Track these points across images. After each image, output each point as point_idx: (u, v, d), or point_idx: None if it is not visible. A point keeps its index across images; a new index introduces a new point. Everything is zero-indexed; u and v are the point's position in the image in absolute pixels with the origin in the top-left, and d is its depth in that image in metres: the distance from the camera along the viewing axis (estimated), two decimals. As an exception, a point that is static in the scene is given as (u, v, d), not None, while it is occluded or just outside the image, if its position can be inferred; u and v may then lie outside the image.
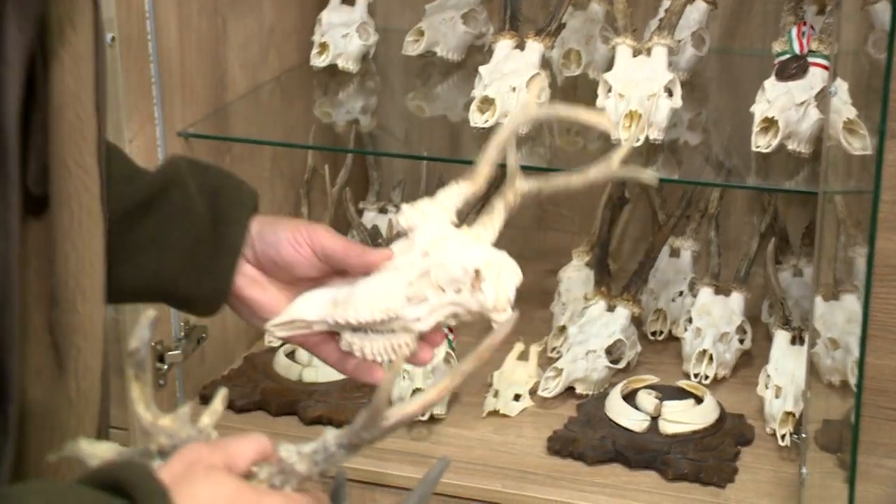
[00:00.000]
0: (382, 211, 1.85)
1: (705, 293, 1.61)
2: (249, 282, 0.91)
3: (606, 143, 1.46)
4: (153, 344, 1.49)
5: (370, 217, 1.83)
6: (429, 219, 0.86)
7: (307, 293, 0.90)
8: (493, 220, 0.87)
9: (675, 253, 1.71)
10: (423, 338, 0.87)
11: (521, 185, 0.88)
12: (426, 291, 0.84)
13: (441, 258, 0.83)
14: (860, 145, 1.33)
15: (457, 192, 0.88)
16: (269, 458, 0.69)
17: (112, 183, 0.86)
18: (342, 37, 1.69)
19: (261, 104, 1.67)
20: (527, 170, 1.82)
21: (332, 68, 1.70)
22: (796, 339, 1.51)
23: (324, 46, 1.68)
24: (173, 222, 0.92)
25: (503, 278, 0.83)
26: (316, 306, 0.88)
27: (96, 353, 0.78)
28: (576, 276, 1.69)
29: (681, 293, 1.69)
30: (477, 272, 0.82)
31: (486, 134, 1.50)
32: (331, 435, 0.68)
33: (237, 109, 1.62)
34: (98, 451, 0.71)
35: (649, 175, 0.94)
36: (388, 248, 0.86)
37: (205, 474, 0.66)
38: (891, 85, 1.34)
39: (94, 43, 0.75)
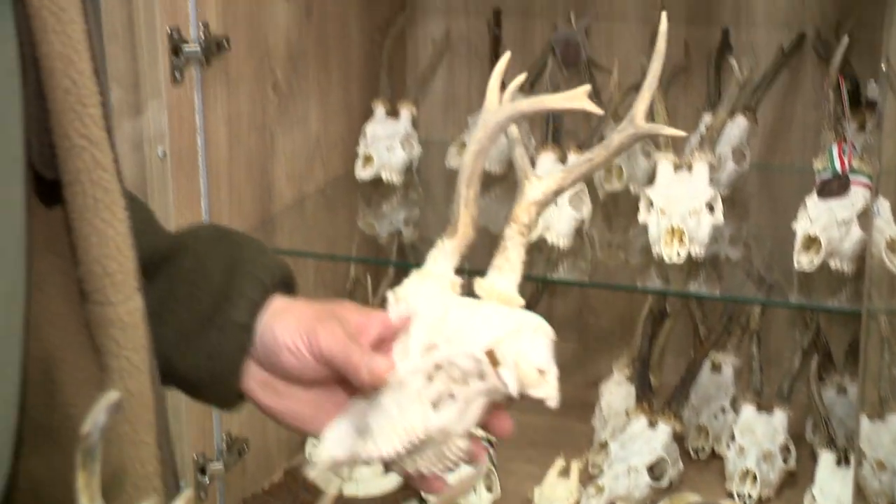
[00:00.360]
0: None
1: (748, 410, 1.60)
2: (262, 387, 0.81)
3: (648, 257, 1.47)
4: (194, 456, 1.49)
5: (410, 327, 1.84)
6: (423, 298, 0.73)
7: (333, 426, 0.76)
8: (510, 257, 0.74)
9: (716, 368, 1.70)
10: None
11: (532, 194, 0.75)
12: (449, 388, 0.71)
13: (448, 350, 0.70)
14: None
15: (443, 252, 0.75)
16: None
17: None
18: (386, 149, 1.72)
19: (306, 215, 1.69)
20: (567, 285, 1.83)
21: (376, 180, 1.72)
22: (842, 460, 1.49)
23: (368, 158, 1.71)
24: (177, 293, 0.83)
25: (525, 350, 0.69)
26: (343, 442, 0.75)
27: (139, 349, 0.72)
28: (616, 390, 1.68)
29: (723, 409, 1.68)
30: (491, 356, 0.69)
31: (527, 246, 1.51)
32: None
33: (283, 221, 1.64)
34: None
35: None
36: (389, 358, 0.73)
37: None
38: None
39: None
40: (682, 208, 1.43)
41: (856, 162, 1.44)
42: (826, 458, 1.48)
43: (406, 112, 1.75)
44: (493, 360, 0.69)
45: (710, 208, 1.45)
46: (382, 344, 0.76)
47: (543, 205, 0.74)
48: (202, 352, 0.81)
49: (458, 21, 1.88)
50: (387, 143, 1.72)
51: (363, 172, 1.71)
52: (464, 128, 1.78)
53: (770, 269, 1.54)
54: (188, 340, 0.81)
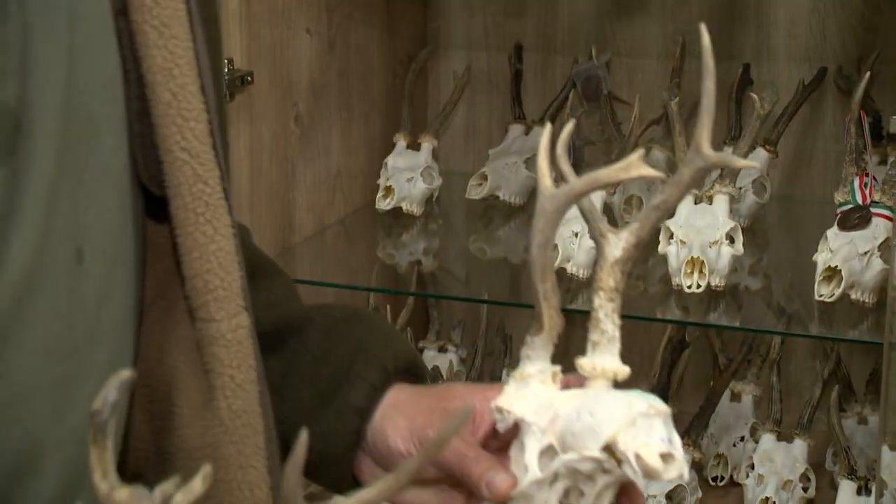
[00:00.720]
0: (442, 350, 1.86)
1: (767, 439, 1.60)
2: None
3: (667, 287, 1.48)
4: None
5: (430, 356, 1.85)
6: (527, 402, 0.69)
7: None
8: (605, 329, 0.69)
9: (735, 397, 1.71)
10: None
11: (613, 253, 0.70)
12: (580, 487, 0.67)
13: (566, 457, 0.66)
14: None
15: (533, 348, 0.71)
16: None
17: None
18: (407, 181, 1.73)
19: (326, 246, 1.70)
20: (587, 314, 1.83)
21: (396, 211, 1.73)
22: (862, 490, 1.49)
23: (389, 190, 1.72)
24: (300, 369, 0.81)
25: (642, 441, 0.64)
26: None
27: (245, 367, 0.70)
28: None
29: (742, 438, 1.68)
30: (610, 452, 0.64)
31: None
32: None
33: (303, 251, 1.66)
34: None
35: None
36: (509, 473, 0.69)
37: None
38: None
39: (186, 12, 0.68)
40: (702, 239, 1.44)
41: (877, 194, 1.45)
42: (846, 487, 1.48)
43: (427, 144, 1.76)
44: (614, 456, 0.65)
45: (731, 239, 1.46)
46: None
47: (626, 262, 0.69)
48: (317, 432, 0.76)
49: (480, 55, 1.90)
50: (408, 175, 1.74)
51: (383, 204, 1.72)
52: (485, 160, 1.80)
53: (790, 299, 1.55)
54: (306, 419, 0.78)
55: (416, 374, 0.83)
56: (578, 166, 1.60)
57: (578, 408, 0.66)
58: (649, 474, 0.63)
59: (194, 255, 0.68)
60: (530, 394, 0.68)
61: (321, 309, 0.86)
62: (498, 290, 1.74)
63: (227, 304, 0.69)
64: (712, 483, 1.66)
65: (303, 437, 0.49)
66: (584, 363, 0.68)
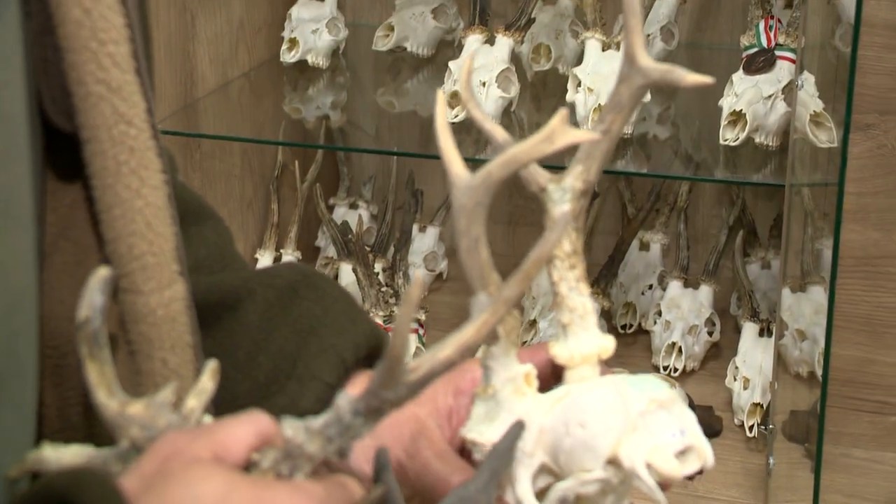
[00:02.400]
0: (353, 206, 1.85)
1: (674, 286, 1.63)
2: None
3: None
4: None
5: (340, 213, 1.83)
6: (502, 422, 0.57)
7: None
8: (573, 305, 0.59)
9: (644, 247, 1.72)
10: None
11: (560, 209, 0.59)
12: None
13: (566, 483, 0.56)
14: (826, 138, 1.34)
15: (495, 359, 0.57)
16: (272, 440, 0.52)
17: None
18: (312, 32, 1.69)
19: (230, 100, 1.66)
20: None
21: (301, 64, 1.69)
22: (764, 331, 1.53)
23: (293, 42, 1.68)
24: (236, 355, 0.68)
25: (649, 446, 0.53)
26: None
27: (180, 348, 0.59)
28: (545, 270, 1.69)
29: (650, 286, 1.70)
30: (617, 465, 0.54)
31: (455, 128, 1.50)
32: (344, 401, 0.50)
33: (207, 106, 1.61)
34: (65, 458, 0.55)
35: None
36: None
37: (183, 470, 0.48)
38: (856, 78, 1.36)
39: None
40: (609, 86, 1.43)
41: (782, 37, 1.45)
42: (749, 329, 1.52)
43: (331, -6, 1.72)
44: (619, 466, 0.54)
45: (638, 86, 1.45)
46: None
47: (578, 216, 0.59)
48: None
49: None
50: (312, 27, 1.69)
51: (288, 56, 1.68)
52: (391, 10, 1.76)
53: (697, 146, 1.55)
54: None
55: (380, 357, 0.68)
56: (486, 13, 1.56)
57: (565, 418, 0.55)
58: (668, 480, 0.54)
59: (115, 212, 0.56)
60: (502, 412, 0.57)
61: (263, 274, 0.71)
62: (408, 143, 1.72)
63: (157, 272, 0.58)
64: (621, 331, 1.69)
65: (417, 276, 0.47)
66: (559, 352, 0.58)
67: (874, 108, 1.42)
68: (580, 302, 0.59)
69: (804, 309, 1.51)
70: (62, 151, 0.58)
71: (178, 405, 0.54)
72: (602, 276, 1.63)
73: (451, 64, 1.52)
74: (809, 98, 1.38)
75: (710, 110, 1.46)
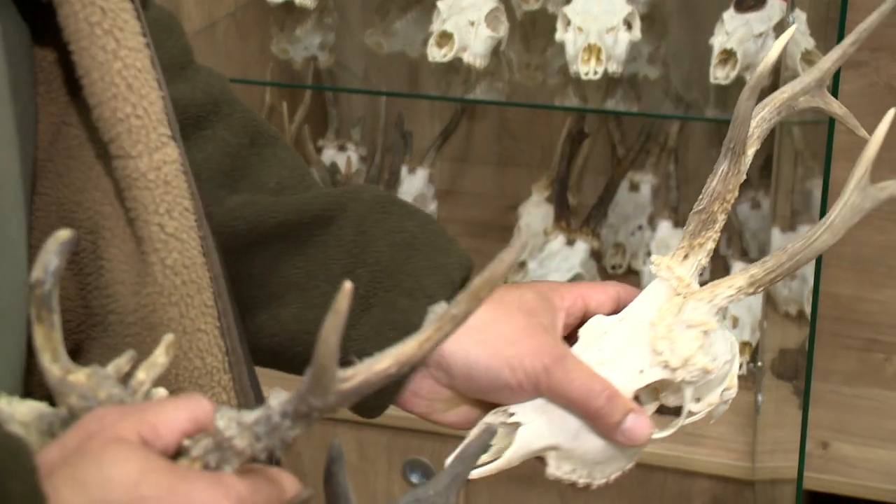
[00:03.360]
0: (342, 149, 1.84)
1: (664, 227, 1.63)
2: (422, 400, 0.68)
3: (565, 78, 1.46)
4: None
5: (329, 154, 1.82)
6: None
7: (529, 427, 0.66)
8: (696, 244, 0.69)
9: (634, 187, 1.72)
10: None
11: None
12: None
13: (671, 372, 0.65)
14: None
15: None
16: (207, 427, 0.50)
17: (259, 189, 0.67)
18: (298, -29, 1.66)
19: (216, 40, 1.65)
20: (487, 104, 1.82)
21: (288, 4, 1.67)
22: (754, 271, 1.53)
23: (280, -19, 1.66)
24: (332, 267, 0.68)
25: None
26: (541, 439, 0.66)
27: (178, 213, 0.59)
28: (535, 210, 1.69)
29: (640, 227, 1.70)
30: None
31: (444, 68, 1.49)
32: (276, 401, 0.50)
33: (192, 46, 1.59)
34: (17, 413, 0.54)
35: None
36: (646, 419, 0.65)
37: (100, 450, 0.47)
38: (848, 15, 1.35)
39: None
40: (599, 25, 1.42)
41: (772, -26, 1.44)
42: (738, 269, 1.52)
43: (318, -68, 1.69)
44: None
45: (628, 25, 1.44)
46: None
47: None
48: (358, 346, 0.66)
49: None
50: (299, -34, 1.67)
51: (275, -4, 1.66)
52: (379, -51, 1.74)
53: (688, 85, 1.55)
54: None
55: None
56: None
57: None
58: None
59: (94, 76, 0.56)
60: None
61: (350, 190, 0.70)
62: (397, 84, 1.71)
63: (143, 135, 0.57)
64: (611, 271, 1.69)
65: (346, 287, 0.44)
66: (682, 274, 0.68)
67: (866, 46, 1.40)
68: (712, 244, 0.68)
69: (793, 248, 1.51)
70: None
71: (127, 377, 0.54)
72: (592, 217, 1.63)
73: (439, 3, 1.50)
74: (801, 36, 1.37)
75: (700, 49, 1.45)
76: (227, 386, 0.61)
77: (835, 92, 1.21)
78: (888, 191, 0.65)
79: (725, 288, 0.66)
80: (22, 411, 0.54)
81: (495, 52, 1.51)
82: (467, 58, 1.47)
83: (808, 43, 1.37)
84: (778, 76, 1.37)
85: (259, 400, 0.64)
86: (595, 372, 0.65)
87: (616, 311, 0.70)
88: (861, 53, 1.42)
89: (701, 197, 0.67)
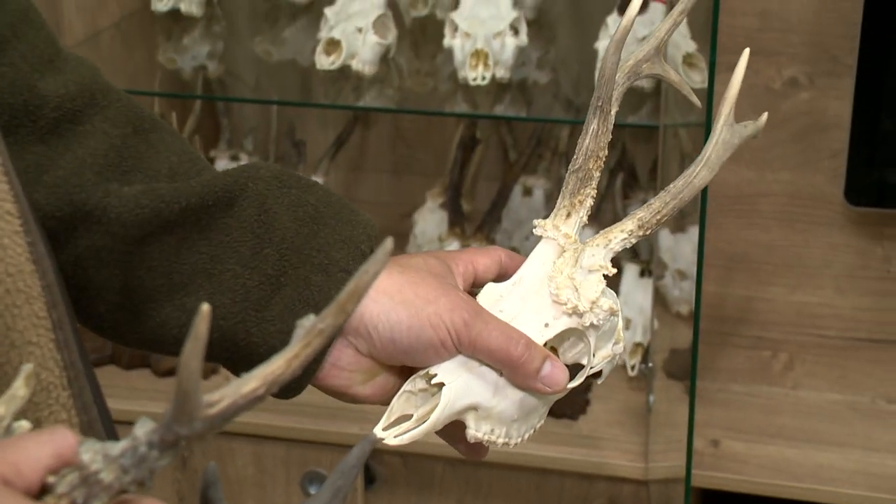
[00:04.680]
0: (234, 158, 1.81)
1: (558, 230, 1.64)
2: (347, 375, 0.69)
3: (455, 84, 1.47)
4: None
5: (221, 164, 1.80)
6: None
7: (456, 382, 0.68)
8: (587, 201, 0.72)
9: (527, 192, 1.73)
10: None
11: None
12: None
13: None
14: (699, 78, 1.35)
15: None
16: (72, 462, 0.48)
17: (152, 178, 0.67)
18: (184, -20, 1.64)
19: (101, 51, 1.62)
20: (377, 111, 1.81)
21: (174, 13, 1.65)
22: (645, 272, 1.55)
23: (165, -10, 1.64)
24: (240, 249, 0.67)
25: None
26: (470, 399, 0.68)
27: None
28: (430, 217, 1.69)
29: (533, 231, 1.71)
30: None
31: (333, 75, 1.49)
32: (141, 431, 0.49)
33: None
34: None
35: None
36: (562, 367, 0.69)
37: None
38: (726, 19, 1.37)
39: None
40: (486, 31, 1.43)
41: (654, -21, 1.46)
42: (630, 270, 1.54)
43: (203, -60, 1.67)
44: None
45: (515, 30, 1.45)
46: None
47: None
48: (274, 327, 0.66)
49: None
50: (184, -26, 1.65)
51: (160, 5, 1.63)
52: (266, -44, 1.72)
53: (576, 89, 1.56)
54: (255, 309, 0.66)
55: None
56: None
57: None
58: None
59: None
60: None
61: (247, 168, 0.70)
62: (288, 92, 1.70)
63: None
64: (507, 276, 1.69)
65: (204, 310, 0.43)
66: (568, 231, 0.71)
67: (743, 49, 1.44)
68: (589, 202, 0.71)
69: (684, 249, 1.54)
70: None
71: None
72: (486, 222, 1.63)
73: (326, 10, 1.49)
74: (682, 39, 1.39)
75: (586, 54, 1.47)
76: (66, 403, 0.58)
77: (711, 93, 1.23)
78: (750, 127, 0.71)
79: (618, 233, 0.70)
80: None
81: (384, 58, 1.50)
82: (356, 65, 1.47)
83: (689, 46, 1.39)
84: (660, 83, 1.39)
85: (104, 417, 0.62)
86: (508, 323, 0.67)
87: (501, 275, 0.73)
88: (739, 57, 1.45)
89: (575, 157, 0.71)
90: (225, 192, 0.68)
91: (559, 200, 0.71)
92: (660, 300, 1.53)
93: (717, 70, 1.17)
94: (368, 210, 0.73)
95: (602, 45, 1.41)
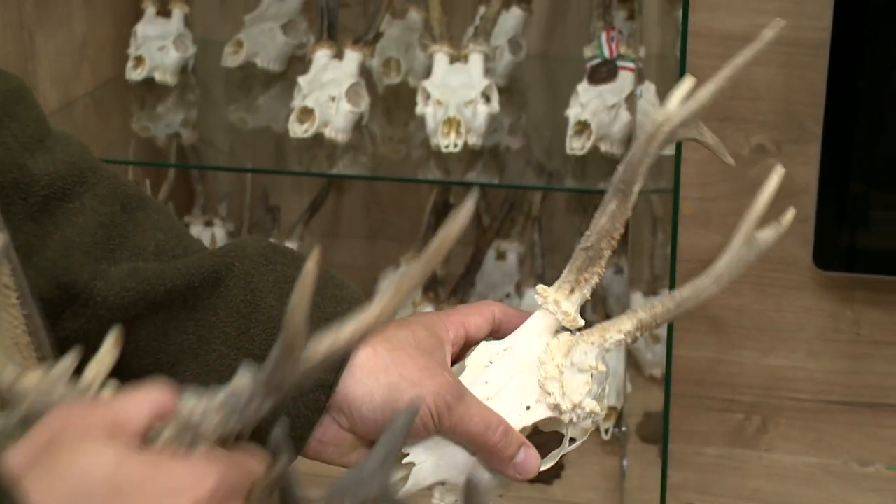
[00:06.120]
0: (208, 224, 1.82)
1: (531, 294, 1.64)
2: (333, 448, 0.69)
3: (428, 151, 1.48)
4: None
5: (196, 231, 1.80)
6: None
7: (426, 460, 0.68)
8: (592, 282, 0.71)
9: (501, 256, 1.74)
10: None
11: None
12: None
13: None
14: (669, 145, 1.37)
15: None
16: (170, 414, 0.51)
17: (139, 256, 0.67)
18: (159, 49, 1.66)
19: (75, 120, 1.62)
20: (351, 179, 1.82)
21: (149, 82, 1.66)
22: (618, 336, 1.55)
23: (140, 60, 1.65)
24: (226, 329, 0.68)
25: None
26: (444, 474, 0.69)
27: None
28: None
29: (508, 295, 1.72)
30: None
31: (307, 143, 1.50)
32: (242, 380, 0.51)
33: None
34: None
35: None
36: (535, 453, 0.69)
37: (72, 444, 0.47)
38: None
39: None
40: (457, 99, 1.44)
41: (623, 48, 1.48)
42: (603, 335, 1.54)
43: (178, 11, 1.69)
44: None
45: (486, 98, 1.47)
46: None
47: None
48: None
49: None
50: (159, 44, 1.67)
51: (135, 74, 1.65)
52: (241, 26, 1.74)
53: (548, 155, 1.58)
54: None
55: None
56: (334, 28, 1.56)
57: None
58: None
59: None
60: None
61: (233, 247, 0.70)
62: (262, 159, 1.71)
63: None
64: (481, 340, 1.70)
65: (314, 254, 0.46)
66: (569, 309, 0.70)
67: (713, 116, 1.45)
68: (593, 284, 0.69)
69: (655, 312, 1.55)
70: None
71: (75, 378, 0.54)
72: (459, 286, 1.64)
73: (299, 79, 1.51)
74: (651, 107, 1.41)
75: (558, 120, 1.49)
76: None
77: (678, 160, 1.25)
78: (764, 240, 0.70)
79: (615, 332, 0.69)
80: None
81: (357, 126, 1.52)
82: (329, 133, 1.48)
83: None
84: (630, 147, 1.40)
85: None
86: (489, 407, 0.67)
87: (494, 331, 0.72)
88: (709, 124, 1.47)
89: (588, 233, 0.69)
90: (211, 272, 0.68)
91: (565, 272, 0.70)
92: (633, 363, 1.54)
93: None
94: (344, 274, 0.73)
95: (573, 112, 1.43)
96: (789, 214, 0.68)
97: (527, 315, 0.72)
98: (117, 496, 0.46)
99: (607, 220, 0.69)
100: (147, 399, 0.50)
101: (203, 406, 0.51)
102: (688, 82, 0.67)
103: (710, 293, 0.69)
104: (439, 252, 0.50)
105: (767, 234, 0.69)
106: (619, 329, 0.68)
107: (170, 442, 0.50)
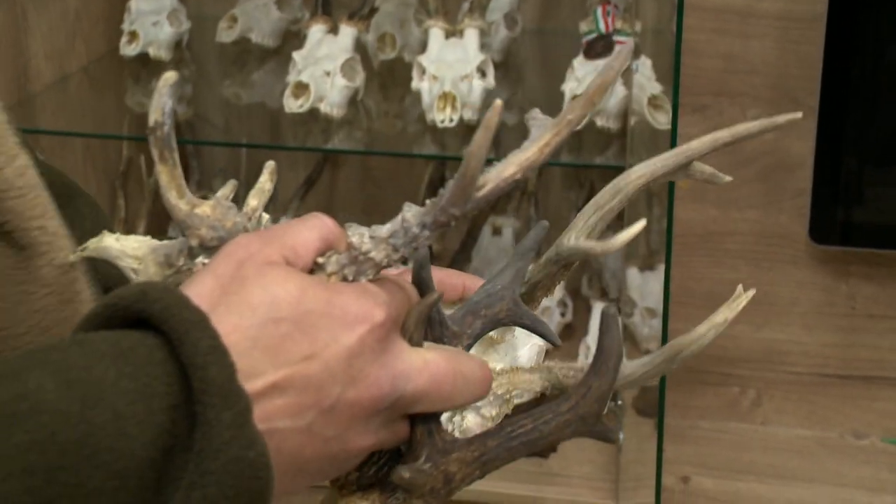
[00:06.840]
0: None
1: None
2: None
3: (423, 126, 1.48)
4: None
5: (191, 207, 1.80)
6: None
7: None
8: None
9: (497, 231, 1.74)
10: None
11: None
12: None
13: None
14: (665, 120, 1.37)
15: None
16: (337, 245, 0.53)
17: None
18: (153, 24, 1.65)
19: (69, 95, 1.62)
20: (346, 154, 1.82)
21: (143, 57, 1.66)
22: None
23: (134, 35, 1.65)
24: None
25: None
26: None
27: (50, 215, 0.60)
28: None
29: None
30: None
31: (302, 118, 1.49)
32: (410, 213, 0.53)
33: (43, 101, 1.57)
34: (128, 248, 0.58)
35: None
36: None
37: (258, 273, 0.50)
38: (690, 60, 1.40)
39: None
40: (453, 74, 1.44)
41: (619, 22, 1.48)
42: (599, 309, 1.55)
43: (172, -15, 1.69)
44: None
45: (482, 73, 1.46)
46: None
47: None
48: None
49: None
50: (153, 19, 1.66)
51: (129, 49, 1.64)
52: (235, 2, 1.73)
53: (543, 131, 1.57)
54: None
55: None
56: (328, 3, 1.56)
57: None
58: None
59: None
60: None
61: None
62: (257, 135, 1.70)
63: (2, 144, 0.58)
64: (477, 315, 1.70)
65: (497, 104, 0.50)
66: None
67: (708, 90, 1.46)
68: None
69: (652, 287, 1.55)
70: None
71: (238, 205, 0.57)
72: (455, 262, 1.64)
73: (294, 54, 1.51)
74: (647, 81, 1.41)
75: (553, 95, 1.49)
76: None
77: (674, 137, 1.25)
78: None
79: (522, 389, 0.64)
80: (133, 246, 0.58)
81: (353, 101, 1.51)
82: (324, 108, 1.48)
83: (655, 88, 1.40)
84: (626, 121, 1.41)
85: None
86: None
87: (462, 299, 0.68)
88: (704, 98, 1.47)
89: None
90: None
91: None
92: (629, 337, 1.54)
93: (680, 112, 1.19)
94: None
95: (569, 87, 1.43)
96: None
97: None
98: (301, 323, 0.49)
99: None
100: (315, 230, 0.53)
101: (369, 238, 0.53)
102: (639, 225, 0.57)
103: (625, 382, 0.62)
104: (600, 93, 0.52)
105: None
106: (529, 387, 0.63)
107: (337, 271, 0.53)
